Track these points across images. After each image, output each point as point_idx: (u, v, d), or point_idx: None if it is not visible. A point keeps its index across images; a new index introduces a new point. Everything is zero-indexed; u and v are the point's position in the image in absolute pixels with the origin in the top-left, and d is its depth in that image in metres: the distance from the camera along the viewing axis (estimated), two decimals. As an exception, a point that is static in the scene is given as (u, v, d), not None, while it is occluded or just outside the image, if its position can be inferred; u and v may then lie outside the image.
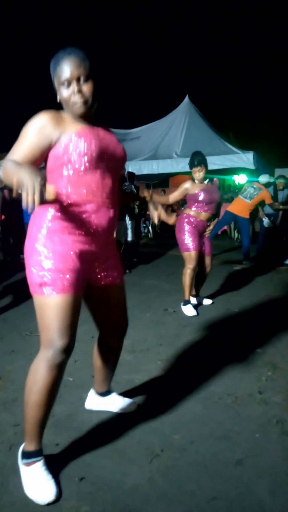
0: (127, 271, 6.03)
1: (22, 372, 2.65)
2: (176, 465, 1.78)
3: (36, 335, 3.28)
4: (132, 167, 8.58)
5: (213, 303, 4.34)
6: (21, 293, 4.58)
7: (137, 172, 8.35)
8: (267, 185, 6.91)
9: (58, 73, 1.54)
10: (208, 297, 4.47)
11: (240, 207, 6.73)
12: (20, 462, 1.66)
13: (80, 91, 1.53)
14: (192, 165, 3.91)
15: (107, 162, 1.61)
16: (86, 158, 1.54)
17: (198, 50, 22.84)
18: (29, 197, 1.24)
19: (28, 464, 1.61)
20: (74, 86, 1.53)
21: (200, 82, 19.88)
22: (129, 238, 6.26)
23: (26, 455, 1.63)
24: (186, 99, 10.02)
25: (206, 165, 3.92)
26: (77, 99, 1.54)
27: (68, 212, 1.56)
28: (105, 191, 1.61)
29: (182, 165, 8.45)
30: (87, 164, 1.55)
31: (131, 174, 6.92)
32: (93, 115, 1.65)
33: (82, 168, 1.55)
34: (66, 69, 1.52)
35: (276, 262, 6.69)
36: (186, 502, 1.57)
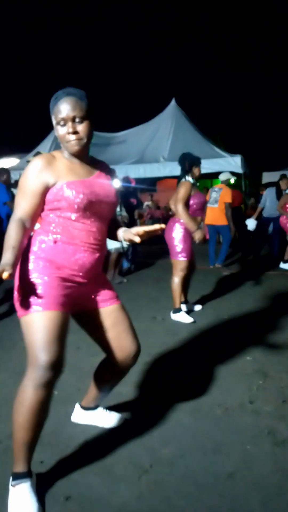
0: (124, 280, 5.87)
1: (4, 386, 2.58)
2: (165, 480, 1.73)
3: (21, 348, 3.18)
4: (118, 171, 8.50)
5: (202, 308, 4.31)
6: (4, 305, 4.50)
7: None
8: None
9: (56, 112, 1.59)
10: (196, 303, 4.44)
11: (213, 215, 6.79)
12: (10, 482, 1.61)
13: (75, 131, 1.58)
14: (197, 163, 3.88)
15: (97, 210, 1.66)
16: (74, 208, 1.59)
17: (184, 52, 23.00)
18: None
19: (14, 485, 1.57)
20: (69, 126, 1.58)
21: (186, 85, 20.00)
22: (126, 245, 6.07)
23: (13, 476, 1.58)
24: (173, 102, 10.04)
25: None
26: (71, 138, 1.58)
27: (56, 248, 1.62)
28: (93, 236, 1.66)
29: (169, 169, 8.44)
30: (75, 213, 1.61)
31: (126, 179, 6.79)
32: (88, 152, 1.71)
33: (71, 217, 1.62)
34: (62, 109, 1.57)
35: (266, 267, 6.70)
36: (176, 520, 1.52)
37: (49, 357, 1.50)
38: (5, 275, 1.34)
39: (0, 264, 1.44)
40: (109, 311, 1.79)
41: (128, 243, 1.73)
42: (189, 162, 3.88)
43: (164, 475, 1.76)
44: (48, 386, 1.52)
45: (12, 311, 4.15)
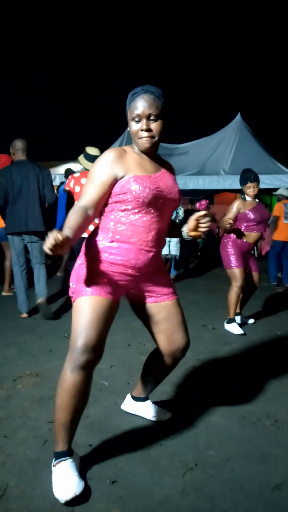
0: None
1: (58, 371, 2.63)
2: (210, 481, 1.72)
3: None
4: (178, 182, 8.55)
5: (255, 322, 4.22)
6: (60, 296, 4.69)
7: (182, 187, 8.28)
8: None
9: (132, 107, 1.62)
10: (249, 317, 4.36)
11: None
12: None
13: (148, 128, 1.60)
14: (247, 180, 3.82)
15: (160, 206, 1.66)
16: (139, 202, 1.60)
17: (252, 67, 22.73)
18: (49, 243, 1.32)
19: (55, 464, 1.61)
20: (143, 123, 1.60)
21: (254, 100, 19.70)
22: (173, 252, 6.23)
23: (55, 455, 1.63)
24: (238, 116, 9.96)
25: (259, 182, 3.87)
26: (144, 135, 1.61)
27: (113, 247, 1.64)
28: (151, 234, 1.66)
29: (229, 182, 8.35)
30: (138, 208, 1.62)
31: None
32: (157, 151, 1.72)
33: (133, 211, 1.63)
34: (139, 105, 1.59)
35: None
36: (219, 520, 1.51)
37: (84, 341, 1.53)
38: (59, 238, 1.31)
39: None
40: (163, 305, 1.82)
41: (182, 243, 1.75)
42: (239, 180, 3.92)
43: (208, 476, 1.75)
44: (84, 369, 1.54)
45: (66, 302, 4.33)
